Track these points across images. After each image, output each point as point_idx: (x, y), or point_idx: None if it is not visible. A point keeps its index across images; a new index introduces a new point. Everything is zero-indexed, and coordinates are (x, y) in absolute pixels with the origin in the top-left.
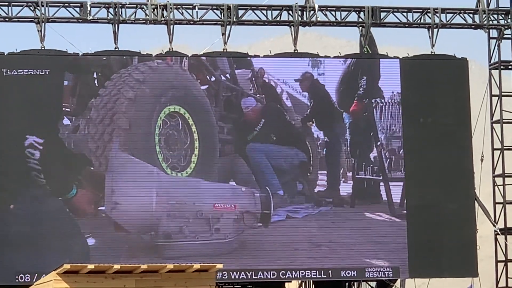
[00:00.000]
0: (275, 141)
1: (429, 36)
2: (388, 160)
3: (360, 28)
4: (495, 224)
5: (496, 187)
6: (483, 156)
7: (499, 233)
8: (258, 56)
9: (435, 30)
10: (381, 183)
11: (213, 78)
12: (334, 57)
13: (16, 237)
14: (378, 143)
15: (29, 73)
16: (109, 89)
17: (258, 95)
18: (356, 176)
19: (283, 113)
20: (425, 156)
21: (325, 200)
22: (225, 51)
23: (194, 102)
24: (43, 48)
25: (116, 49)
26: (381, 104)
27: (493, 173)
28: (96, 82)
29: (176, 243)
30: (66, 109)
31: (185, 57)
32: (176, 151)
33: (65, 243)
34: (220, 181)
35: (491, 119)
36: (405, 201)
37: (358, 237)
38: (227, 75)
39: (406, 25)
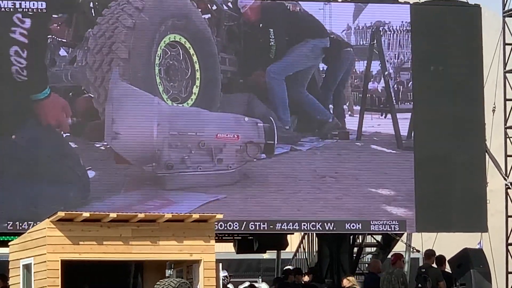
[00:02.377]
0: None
1: None
2: (396, 90)
3: None
4: (506, 177)
5: (508, 139)
6: (495, 107)
7: (510, 187)
8: None
9: None
10: (388, 115)
11: (214, 7)
12: (342, 1)
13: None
14: (386, 72)
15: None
16: (107, 18)
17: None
18: (363, 107)
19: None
20: (435, 106)
21: (330, 133)
22: None
23: (195, 31)
24: None
25: None
26: (389, 32)
27: (505, 124)
28: (92, 11)
29: (178, 174)
30: (62, 40)
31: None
32: (177, 81)
33: (64, 175)
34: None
35: (504, 68)
36: (412, 138)
37: (364, 168)
38: (229, 4)
39: None
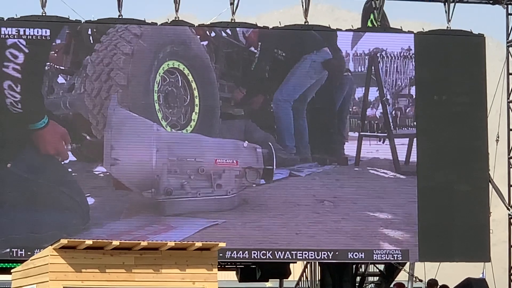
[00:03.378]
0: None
1: (445, 11)
2: (394, 116)
3: (374, 1)
4: (509, 207)
5: (511, 169)
6: (498, 137)
7: None
8: (267, 28)
9: (452, 5)
10: (386, 140)
11: (213, 34)
12: (346, 30)
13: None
14: (383, 99)
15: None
16: (105, 44)
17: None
18: (361, 133)
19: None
20: (439, 135)
21: (329, 159)
22: (233, 21)
23: (194, 58)
24: (44, 14)
25: (120, 17)
26: (387, 59)
27: (509, 154)
28: (91, 38)
29: (178, 199)
30: (60, 67)
31: (191, 27)
32: (176, 108)
33: (64, 202)
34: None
35: (508, 98)
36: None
37: (363, 192)
38: (228, 31)
39: None
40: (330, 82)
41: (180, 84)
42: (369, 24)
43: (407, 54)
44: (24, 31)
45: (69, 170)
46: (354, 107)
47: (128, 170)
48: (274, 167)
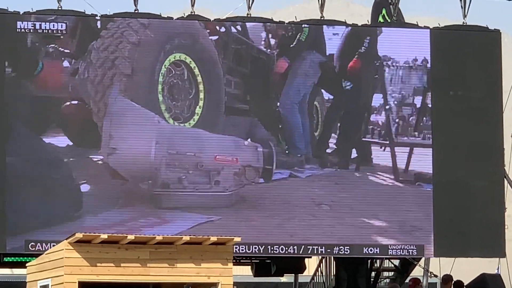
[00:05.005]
0: None
1: (461, 6)
2: (396, 125)
3: None
4: None
5: None
6: None
7: None
8: (283, 23)
9: (468, 0)
10: (387, 148)
11: (223, 29)
12: (362, 25)
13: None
14: (387, 107)
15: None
16: (112, 31)
17: (269, 50)
18: (363, 139)
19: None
20: (454, 130)
21: (330, 162)
22: (248, 16)
23: (202, 51)
24: (60, 8)
25: (136, 11)
26: (393, 68)
27: None
28: (98, 23)
29: (175, 193)
30: (65, 50)
31: (207, 22)
32: (180, 101)
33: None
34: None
35: None
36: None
37: (361, 197)
38: (238, 27)
39: None
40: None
41: (185, 77)
42: (380, 19)
43: (413, 65)
44: (40, 25)
45: (65, 155)
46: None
47: (125, 160)
48: (274, 167)
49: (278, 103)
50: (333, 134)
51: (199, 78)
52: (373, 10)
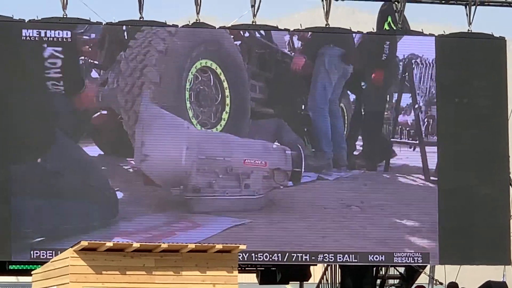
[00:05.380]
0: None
1: (466, 14)
2: (426, 124)
3: (395, 4)
4: None
5: None
6: None
7: None
8: (288, 30)
9: (473, 8)
10: (417, 148)
11: (247, 34)
12: (367, 33)
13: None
14: (416, 105)
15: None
16: (140, 41)
17: (293, 54)
18: (391, 139)
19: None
20: (459, 137)
21: (358, 164)
22: (254, 23)
23: (227, 57)
24: (65, 16)
25: (141, 19)
26: (421, 65)
27: None
28: (125, 34)
29: (206, 197)
30: (94, 62)
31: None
32: (207, 107)
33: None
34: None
35: None
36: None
37: (390, 199)
38: (262, 32)
39: (443, 2)
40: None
41: (212, 83)
42: (386, 27)
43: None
44: (45, 33)
45: (98, 163)
46: (386, 113)
47: (157, 167)
48: (303, 169)
49: (303, 106)
50: (359, 137)
51: (225, 84)
52: (379, 17)
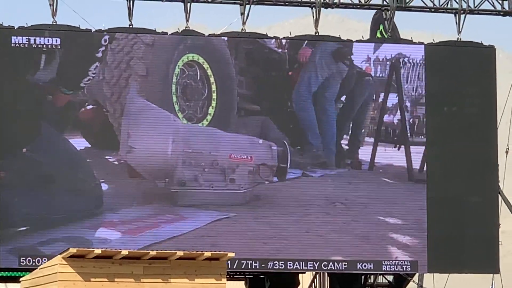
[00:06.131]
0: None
1: (456, 22)
2: (411, 124)
3: (384, 12)
4: None
5: None
6: (508, 148)
7: None
8: (278, 38)
9: (462, 16)
10: (402, 147)
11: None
12: (357, 41)
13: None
14: (403, 105)
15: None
16: (125, 33)
17: (280, 50)
18: (377, 139)
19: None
20: (449, 146)
21: (343, 162)
22: (243, 31)
23: (214, 52)
24: (54, 23)
25: (131, 26)
26: (409, 65)
27: None
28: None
29: (191, 191)
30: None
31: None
32: (193, 101)
33: (77, 186)
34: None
35: None
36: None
37: (374, 197)
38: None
39: (432, 10)
40: (347, 88)
41: (198, 78)
42: (378, 35)
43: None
44: (35, 40)
45: (84, 155)
46: (371, 112)
47: (143, 159)
48: (288, 165)
49: (289, 103)
50: (345, 135)
51: (212, 79)
52: (372, 25)
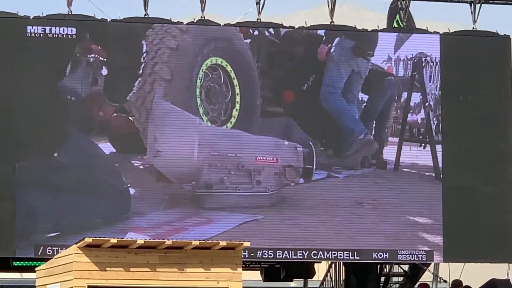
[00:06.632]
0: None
1: (471, 12)
2: (436, 122)
3: (400, 1)
4: None
5: None
6: None
7: None
8: (293, 28)
9: (477, 5)
10: (427, 146)
11: (256, 32)
12: (372, 30)
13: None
14: (426, 104)
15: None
16: (151, 38)
17: (301, 51)
18: (402, 138)
19: None
20: (463, 136)
21: (368, 162)
22: (259, 21)
23: (237, 55)
24: (70, 13)
25: (146, 16)
26: (431, 64)
27: None
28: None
29: (217, 194)
30: (105, 60)
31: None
32: (217, 104)
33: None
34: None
35: None
36: (442, 176)
37: (401, 196)
38: (271, 30)
39: (448, 0)
40: (370, 88)
41: (222, 81)
42: (395, 24)
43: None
44: (50, 29)
45: (111, 160)
46: (394, 112)
47: (169, 162)
48: (314, 167)
49: (312, 103)
50: (370, 137)
51: (235, 81)
52: (388, 14)
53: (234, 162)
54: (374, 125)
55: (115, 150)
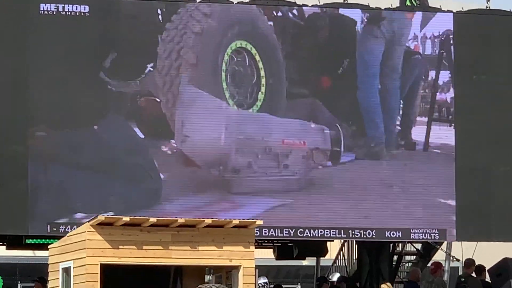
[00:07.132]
0: None
1: None
2: None
3: None
4: None
5: None
6: None
7: None
8: (307, 6)
9: None
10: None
11: (280, 14)
12: (385, 8)
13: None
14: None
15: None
16: (176, 23)
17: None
18: (431, 118)
19: None
20: (477, 115)
21: (396, 143)
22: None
23: (261, 37)
24: None
25: None
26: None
27: None
28: (160, 17)
29: (245, 178)
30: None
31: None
32: (243, 87)
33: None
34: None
35: None
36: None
37: (432, 177)
38: (294, 11)
39: None
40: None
41: (247, 64)
42: (408, 3)
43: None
44: (63, 7)
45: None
46: (422, 91)
47: (197, 147)
48: (342, 149)
49: (338, 85)
50: (397, 117)
51: (260, 64)
52: None
53: (261, 145)
54: (401, 105)
55: (143, 136)
